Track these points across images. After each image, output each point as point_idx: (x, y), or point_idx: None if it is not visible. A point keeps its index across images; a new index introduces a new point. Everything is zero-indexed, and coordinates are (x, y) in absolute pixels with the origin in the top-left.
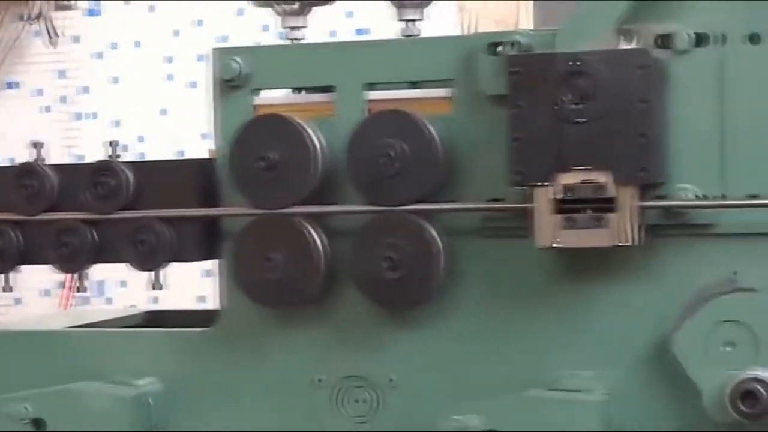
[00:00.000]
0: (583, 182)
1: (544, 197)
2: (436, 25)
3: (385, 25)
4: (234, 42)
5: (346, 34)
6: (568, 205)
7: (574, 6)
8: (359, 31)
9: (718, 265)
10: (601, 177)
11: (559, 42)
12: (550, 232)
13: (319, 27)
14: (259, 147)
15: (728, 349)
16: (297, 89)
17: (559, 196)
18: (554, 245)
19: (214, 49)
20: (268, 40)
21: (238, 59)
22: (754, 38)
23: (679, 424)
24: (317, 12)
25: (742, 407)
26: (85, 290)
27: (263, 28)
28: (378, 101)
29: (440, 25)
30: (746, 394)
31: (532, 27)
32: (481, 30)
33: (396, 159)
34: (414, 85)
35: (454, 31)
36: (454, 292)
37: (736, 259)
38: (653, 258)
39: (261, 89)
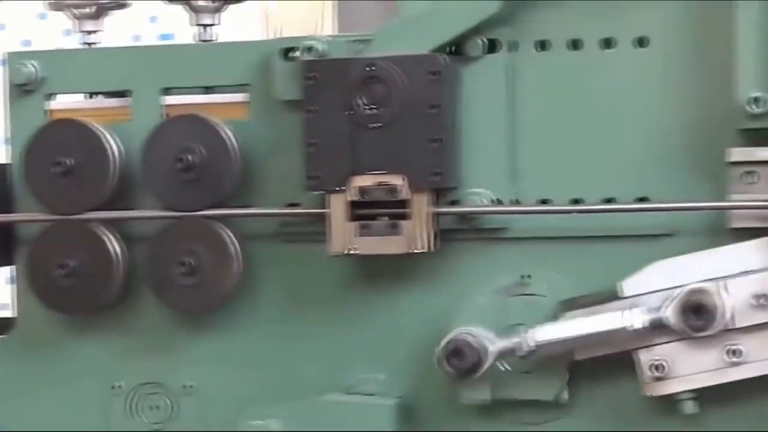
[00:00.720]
0: (378, 184)
1: (339, 203)
2: (242, 33)
3: (190, 31)
4: (37, 46)
5: (151, 39)
6: (363, 211)
7: (378, 15)
8: (164, 36)
9: (510, 269)
10: (395, 180)
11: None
12: (345, 238)
13: (122, 32)
14: (54, 152)
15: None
16: (93, 94)
17: (354, 198)
18: (348, 252)
19: (9, 53)
20: (71, 44)
21: (32, 63)
22: (544, 45)
23: (473, 424)
24: (120, 16)
25: (449, 365)
26: None
27: (65, 33)
28: (175, 106)
29: (246, 32)
30: (455, 351)
31: (336, 34)
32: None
33: (192, 164)
34: (210, 90)
35: (259, 38)
36: (252, 297)
37: (528, 263)
38: (447, 262)
39: (56, 94)
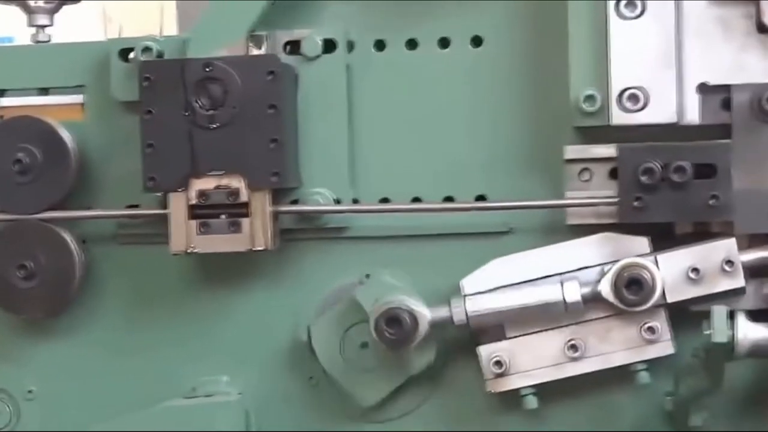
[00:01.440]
0: (217, 188)
1: (178, 203)
2: (82, 35)
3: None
4: None
5: None
6: (203, 210)
7: None
8: (3, 39)
9: (352, 267)
10: (234, 182)
11: (192, 47)
12: (185, 237)
13: None
14: None
15: (363, 350)
16: None
17: (194, 201)
18: (189, 251)
19: None
20: None
21: None
22: (379, 45)
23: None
24: None
25: (387, 333)
26: None
27: None
28: (9, 108)
29: (87, 34)
30: (390, 320)
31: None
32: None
33: (28, 165)
34: (46, 92)
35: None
36: (93, 301)
37: (369, 261)
38: (289, 262)
39: None
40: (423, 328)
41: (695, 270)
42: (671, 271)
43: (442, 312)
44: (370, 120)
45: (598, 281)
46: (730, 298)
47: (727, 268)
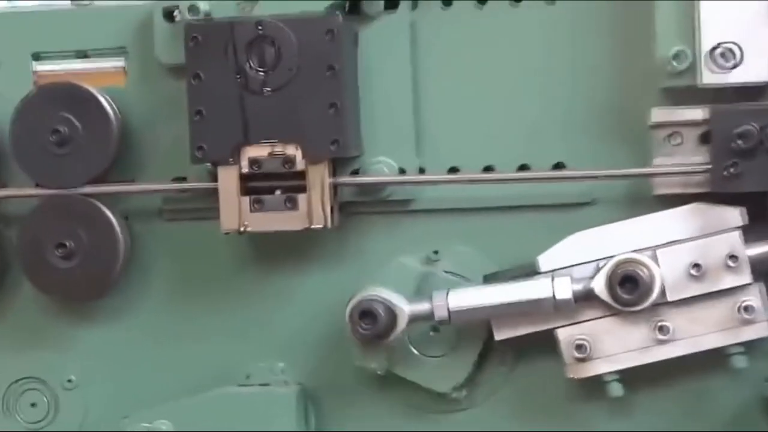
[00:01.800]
0: (271, 155)
1: (229, 177)
2: None
3: None
4: None
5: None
6: (256, 184)
7: None
8: None
9: (418, 244)
10: (289, 150)
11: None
12: (238, 215)
13: None
14: None
15: (431, 333)
16: None
17: (246, 170)
18: (242, 230)
19: None
20: None
21: None
22: (448, 1)
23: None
24: None
25: (361, 327)
26: None
27: None
28: (46, 74)
29: None
30: (366, 312)
31: None
32: None
33: (66, 136)
34: (85, 55)
35: None
36: (137, 283)
37: (437, 237)
38: (349, 238)
39: None
40: (402, 323)
41: (696, 266)
42: (671, 268)
43: (422, 307)
44: (437, 82)
45: (592, 278)
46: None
47: (730, 263)
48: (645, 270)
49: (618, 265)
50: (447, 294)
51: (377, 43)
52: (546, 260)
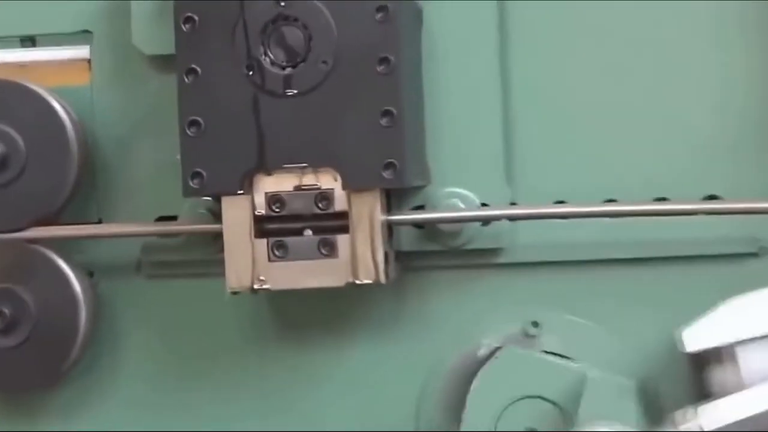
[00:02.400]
0: (299, 188)
1: (238, 214)
2: None
3: None
4: None
5: None
6: (277, 225)
7: None
8: None
9: (509, 312)
10: (325, 180)
11: None
12: (251, 267)
13: None
14: None
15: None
16: None
17: (262, 211)
18: (257, 287)
19: None
20: None
21: None
22: None
23: None
24: None
25: None
26: None
27: None
28: None
29: None
30: None
31: None
32: None
33: (5, 157)
34: (33, 42)
35: None
36: (106, 365)
37: (537, 302)
38: (410, 302)
39: None
40: None
41: None
42: None
43: None
44: (536, 83)
45: None
46: None
47: None
48: None
49: None
50: (697, 412)
51: (450, 27)
52: (693, 337)
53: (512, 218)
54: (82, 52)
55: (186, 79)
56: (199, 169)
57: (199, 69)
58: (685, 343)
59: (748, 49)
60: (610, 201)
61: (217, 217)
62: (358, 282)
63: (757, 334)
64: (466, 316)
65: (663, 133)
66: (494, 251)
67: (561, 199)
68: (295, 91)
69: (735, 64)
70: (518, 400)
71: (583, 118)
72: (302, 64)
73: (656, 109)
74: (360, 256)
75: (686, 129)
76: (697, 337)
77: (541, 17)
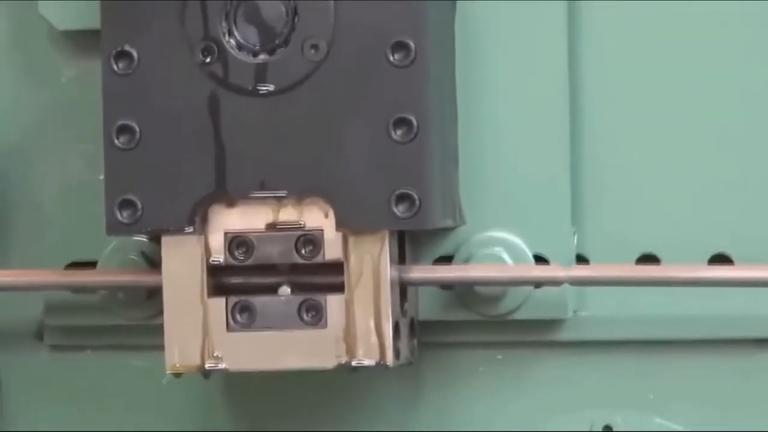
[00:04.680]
0: (272, 228)
1: (184, 261)
2: None
3: None
4: None
5: None
6: (240, 280)
7: None
8: None
9: (571, 407)
10: (311, 215)
11: None
12: (200, 338)
13: None
14: None
15: None
16: None
17: (219, 258)
18: (209, 368)
19: None
20: None
21: None
22: None
23: None
24: None
25: None
26: None
27: None
28: None
29: None
30: None
31: None
32: None
33: None
34: None
35: None
36: None
37: (612, 395)
38: (431, 390)
39: None
40: None
41: None
42: None
43: None
44: (609, 101)
45: None
46: None
47: None
48: None
49: None
50: None
51: (498, 25)
52: None
53: (580, 282)
54: None
55: (115, 67)
56: (130, 197)
57: (134, 53)
58: None
59: None
60: (720, 259)
61: (154, 265)
62: (354, 364)
63: None
64: (509, 415)
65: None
66: (552, 324)
67: (649, 249)
68: (272, 88)
69: None
70: None
71: (673, 150)
72: (282, 49)
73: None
74: (359, 326)
75: None
76: None
77: (623, 28)
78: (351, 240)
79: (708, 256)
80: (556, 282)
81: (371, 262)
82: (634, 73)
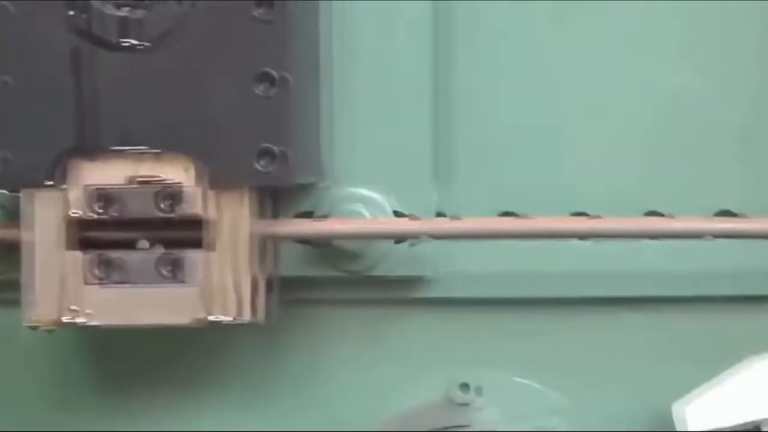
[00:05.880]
0: (133, 182)
1: (43, 213)
2: None
3: None
4: None
5: None
6: (99, 233)
7: None
8: None
9: (431, 366)
10: (173, 170)
11: None
12: (58, 292)
13: None
14: None
15: None
16: None
17: (78, 211)
18: (67, 321)
19: None
20: None
21: None
22: None
23: None
24: None
25: None
26: None
27: None
28: None
29: None
30: None
31: None
32: None
33: None
34: None
35: None
36: None
37: (475, 355)
38: (293, 347)
39: None
40: None
41: None
42: None
43: None
44: (479, 55)
45: None
46: None
47: None
48: None
49: None
50: None
51: None
52: (696, 413)
53: (440, 235)
54: None
55: None
56: None
57: (8, 5)
58: (688, 421)
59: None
60: (580, 215)
61: (12, 218)
62: (212, 319)
63: None
64: (369, 373)
65: (647, 126)
66: (414, 282)
67: (511, 207)
68: (135, 42)
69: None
70: None
71: (547, 100)
72: (146, 2)
73: (636, 94)
74: (218, 281)
75: (676, 125)
76: (705, 414)
77: None
78: (211, 195)
79: (568, 213)
80: (413, 235)
81: (231, 218)
82: (499, 35)
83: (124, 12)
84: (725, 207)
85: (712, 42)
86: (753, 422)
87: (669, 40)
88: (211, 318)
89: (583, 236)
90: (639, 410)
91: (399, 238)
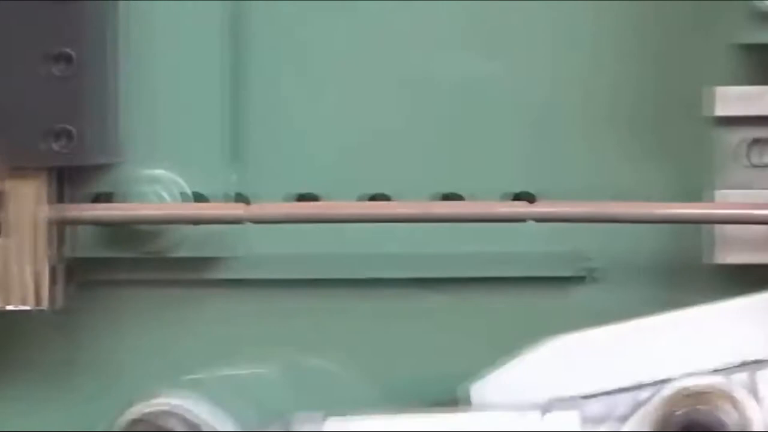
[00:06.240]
0: None
1: None
2: None
3: None
4: None
5: None
6: None
7: None
8: None
9: (224, 346)
10: None
11: None
12: None
13: None
14: None
15: None
16: None
17: None
18: None
19: None
20: None
21: None
22: None
23: None
24: None
25: None
26: None
27: None
28: None
29: None
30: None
31: None
32: None
33: None
34: None
35: None
36: None
37: (266, 335)
38: (89, 329)
39: None
40: None
41: None
42: None
43: None
44: (274, 41)
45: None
46: None
47: None
48: (733, 410)
49: (675, 400)
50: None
51: None
52: (492, 389)
53: (236, 220)
54: None
55: None
56: None
57: None
58: (476, 400)
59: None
60: (379, 198)
61: None
62: (9, 308)
63: (579, 392)
64: (170, 355)
65: (449, 109)
66: (212, 261)
67: (314, 189)
68: None
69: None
70: None
71: (344, 83)
72: None
73: (440, 74)
74: (12, 270)
75: (479, 106)
76: (493, 392)
77: None
78: (4, 180)
79: (367, 198)
80: (210, 221)
81: (26, 203)
82: (294, 17)
83: None
84: (519, 190)
85: (498, 27)
86: (543, 402)
87: (456, 25)
88: (9, 307)
89: (380, 220)
90: (435, 389)
91: (197, 222)
